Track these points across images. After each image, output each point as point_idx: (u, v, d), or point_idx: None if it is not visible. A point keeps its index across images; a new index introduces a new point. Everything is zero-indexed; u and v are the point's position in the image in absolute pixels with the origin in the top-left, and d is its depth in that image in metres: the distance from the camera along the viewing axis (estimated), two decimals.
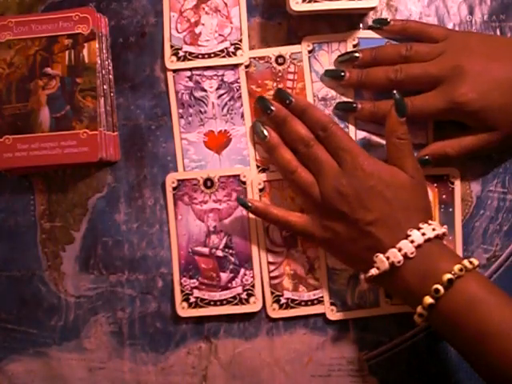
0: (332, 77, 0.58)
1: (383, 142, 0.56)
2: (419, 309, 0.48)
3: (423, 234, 0.48)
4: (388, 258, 0.48)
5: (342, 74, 0.57)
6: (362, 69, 0.57)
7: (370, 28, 0.58)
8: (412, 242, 0.48)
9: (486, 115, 0.52)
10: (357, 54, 0.56)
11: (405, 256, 0.48)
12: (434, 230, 0.49)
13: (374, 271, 0.49)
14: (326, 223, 0.52)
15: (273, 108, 0.55)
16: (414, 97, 0.54)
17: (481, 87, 0.52)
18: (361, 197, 0.50)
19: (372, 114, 0.56)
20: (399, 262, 0.48)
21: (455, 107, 0.52)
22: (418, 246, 0.48)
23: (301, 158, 0.55)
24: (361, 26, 0.59)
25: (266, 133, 0.56)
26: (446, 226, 0.51)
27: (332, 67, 0.58)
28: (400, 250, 0.48)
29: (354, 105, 0.57)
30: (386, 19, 0.57)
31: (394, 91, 0.51)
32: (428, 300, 0.47)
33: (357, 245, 0.51)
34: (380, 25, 0.57)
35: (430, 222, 0.50)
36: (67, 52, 0.58)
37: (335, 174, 0.52)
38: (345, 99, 0.58)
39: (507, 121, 0.52)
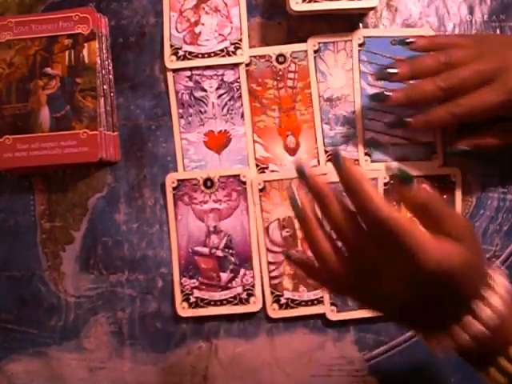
0: (378, 100, 0.55)
1: (391, 140, 0.56)
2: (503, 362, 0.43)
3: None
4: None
5: (387, 94, 0.54)
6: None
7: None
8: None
9: None
10: (394, 70, 0.54)
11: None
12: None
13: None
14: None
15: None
16: (466, 95, 0.52)
17: None
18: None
19: (426, 123, 0.54)
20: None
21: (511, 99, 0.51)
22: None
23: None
24: (361, 25, 0.59)
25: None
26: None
27: (376, 91, 0.57)
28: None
29: (407, 120, 0.54)
30: (407, 40, 0.54)
31: (389, 165, 0.42)
32: None
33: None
34: (403, 45, 0.55)
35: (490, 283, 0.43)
36: (67, 52, 0.58)
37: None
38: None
39: None
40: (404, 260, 0.40)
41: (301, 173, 0.43)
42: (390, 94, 0.54)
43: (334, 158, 0.42)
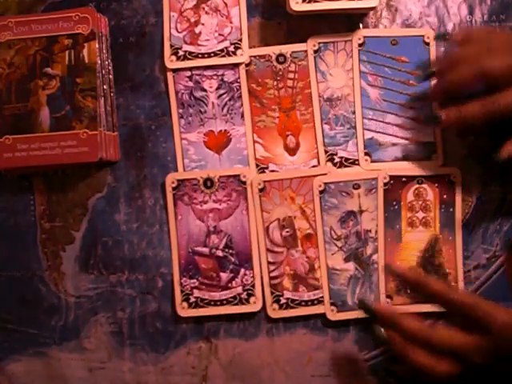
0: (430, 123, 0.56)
1: (391, 140, 0.56)
2: None
3: None
4: None
5: (439, 115, 0.53)
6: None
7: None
8: None
9: None
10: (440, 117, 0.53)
11: None
12: None
13: None
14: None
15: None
16: (499, 94, 0.50)
17: None
18: None
19: (459, 120, 0.52)
20: None
21: None
22: None
23: None
24: (361, 25, 0.59)
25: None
26: None
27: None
28: None
29: (439, 115, 0.53)
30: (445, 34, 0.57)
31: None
32: None
33: None
34: (440, 39, 0.56)
35: None
36: (67, 52, 0.58)
37: None
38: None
39: None
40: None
41: (367, 310, 0.52)
42: (441, 115, 0.53)
43: (365, 310, 0.52)
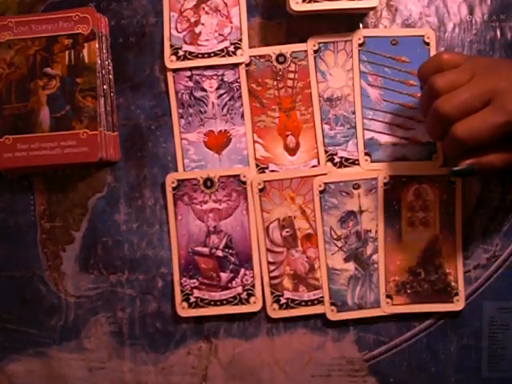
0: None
1: (391, 140, 0.57)
2: None
3: None
4: None
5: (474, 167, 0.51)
6: None
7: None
8: None
9: None
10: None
11: None
12: None
13: None
14: None
15: None
16: (470, 117, 0.49)
17: None
18: None
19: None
20: None
21: None
22: None
23: None
24: (361, 25, 0.59)
25: None
26: None
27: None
28: None
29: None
30: None
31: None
32: None
33: None
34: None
35: None
36: (67, 52, 0.58)
37: None
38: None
39: None
40: None
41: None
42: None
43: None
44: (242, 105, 0.59)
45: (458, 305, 0.57)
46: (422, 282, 0.57)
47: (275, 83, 0.59)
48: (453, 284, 0.57)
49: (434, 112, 0.49)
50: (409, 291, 0.57)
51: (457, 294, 0.57)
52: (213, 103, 0.59)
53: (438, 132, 0.50)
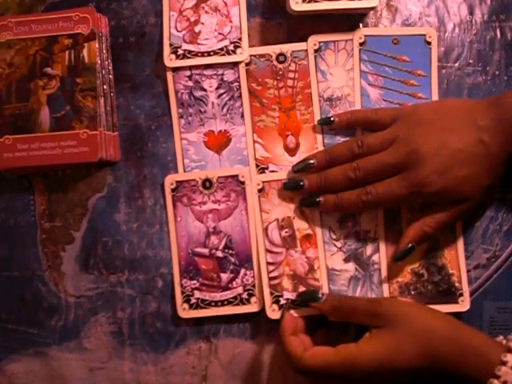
0: (292, 188, 0.57)
1: None
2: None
3: None
4: None
5: (301, 183, 0.55)
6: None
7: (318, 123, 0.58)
8: None
9: (451, 192, 0.51)
10: (311, 161, 0.55)
11: None
12: None
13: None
14: None
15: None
16: (377, 183, 0.53)
17: (439, 166, 0.51)
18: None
19: (336, 206, 0.55)
20: None
21: (419, 191, 0.52)
22: None
23: None
24: (361, 26, 0.59)
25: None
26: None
27: (290, 179, 0.57)
28: None
29: (318, 199, 0.55)
30: (330, 118, 0.57)
31: None
32: None
33: None
34: (325, 124, 0.57)
35: None
36: (67, 52, 0.58)
37: None
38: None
39: (474, 189, 0.51)
40: None
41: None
42: (304, 182, 0.56)
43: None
44: (241, 104, 0.59)
45: (463, 305, 0.57)
46: (426, 282, 0.57)
47: (275, 83, 0.59)
48: (457, 285, 0.57)
49: (343, 173, 0.54)
50: (413, 292, 0.57)
51: (461, 295, 0.57)
52: (213, 103, 0.59)
53: (342, 187, 0.55)
